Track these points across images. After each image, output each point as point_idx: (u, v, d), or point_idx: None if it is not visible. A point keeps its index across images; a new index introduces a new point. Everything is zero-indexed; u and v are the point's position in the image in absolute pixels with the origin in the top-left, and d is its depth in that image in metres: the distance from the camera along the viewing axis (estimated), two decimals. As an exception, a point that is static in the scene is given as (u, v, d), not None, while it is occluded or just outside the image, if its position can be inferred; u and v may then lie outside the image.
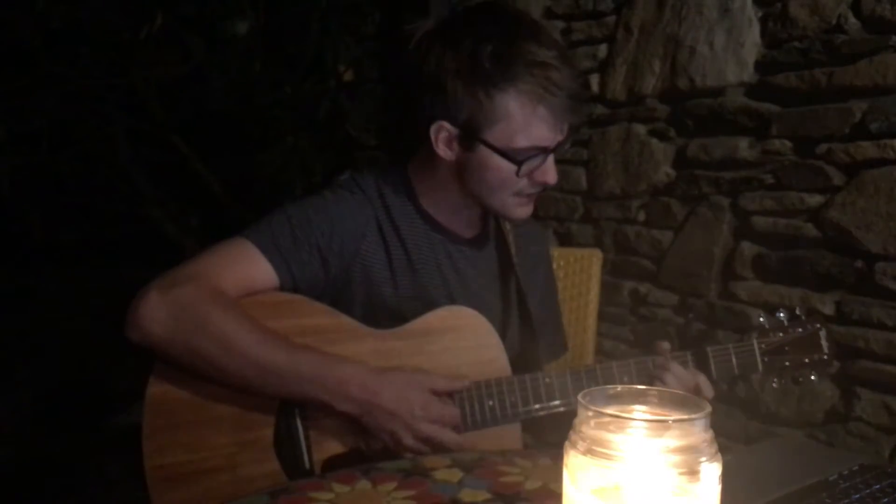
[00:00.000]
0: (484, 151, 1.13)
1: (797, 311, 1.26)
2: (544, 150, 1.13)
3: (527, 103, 1.09)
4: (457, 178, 1.19)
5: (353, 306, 1.17)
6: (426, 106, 1.14)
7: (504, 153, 1.12)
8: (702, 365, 1.20)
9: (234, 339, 1.04)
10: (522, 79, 1.08)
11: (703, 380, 1.17)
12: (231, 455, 1.07)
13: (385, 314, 1.17)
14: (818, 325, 1.25)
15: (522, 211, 1.20)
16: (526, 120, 1.10)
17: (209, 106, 2.96)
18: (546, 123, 1.11)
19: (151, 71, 2.84)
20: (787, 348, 1.23)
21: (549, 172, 1.15)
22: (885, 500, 0.83)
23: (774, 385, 1.25)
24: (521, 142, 1.11)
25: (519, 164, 1.12)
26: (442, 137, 1.15)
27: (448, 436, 1.08)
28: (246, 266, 1.11)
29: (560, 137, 1.14)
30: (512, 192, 1.16)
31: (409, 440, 1.06)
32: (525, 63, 1.08)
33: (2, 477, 2.54)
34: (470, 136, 1.12)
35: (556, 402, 1.15)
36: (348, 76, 3.26)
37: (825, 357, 1.24)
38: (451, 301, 1.21)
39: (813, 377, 1.24)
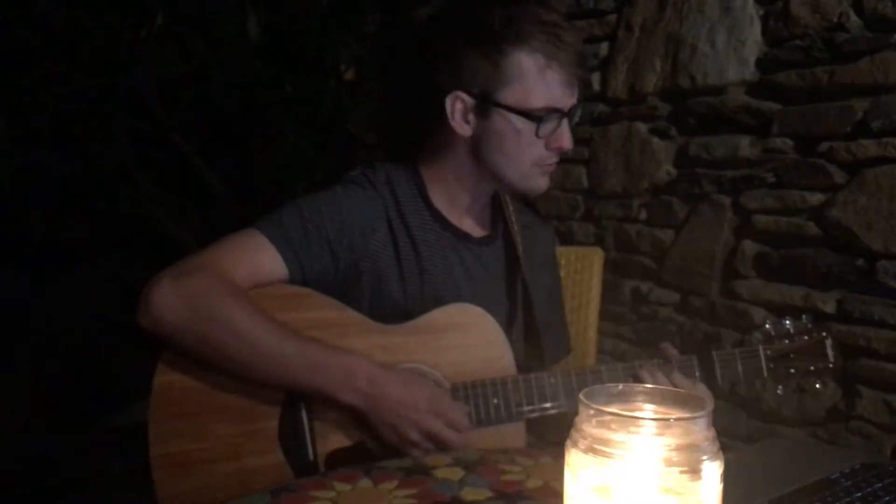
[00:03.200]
0: (501, 116, 1.14)
1: (804, 319, 1.25)
2: (558, 112, 1.14)
3: (540, 60, 1.12)
4: (472, 157, 1.20)
5: (361, 301, 1.18)
6: (440, 80, 1.16)
7: (522, 112, 1.13)
8: (707, 370, 1.20)
9: (244, 328, 1.05)
10: (534, 37, 1.11)
11: (702, 390, 1.17)
12: (236, 445, 1.07)
13: (392, 310, 1.18)
14: (825, 333, 1.25)
15: (542, 182, 1.21)
16: (540, 77, 1.12)
17: (210, 105, 2.95)
18: (559, 82, 1.13)
19: (152, 70, 2.84)
20: (792, 355, 1.23)
21: (563, 137, 1.16)
22: (887, 498, 0.83)
23: (779, 392, 1.24)
24: (537, 101, 1.13)
25: (538, 120, 1.13)
26: (458, 109, 1.16)
27: (453, 433, 1.08)
28: (257, 257, 1.12)
29: (573, 101, 1.16)
30: (531, 160, 1.17)
31: (413, 435, 1.06)
32: (535, 22, 1.11)
33: (2, 476, 2.54)
34: (485, 102, 1.14)
35: (561, 403, 1.15)
36: (349, 75, 3.26)
37: (831, 365, 1.24)
38: (459, 299, 1.21)
39: (818, 385, 1.24)
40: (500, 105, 1.13)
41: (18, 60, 2.70)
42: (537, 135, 1.14)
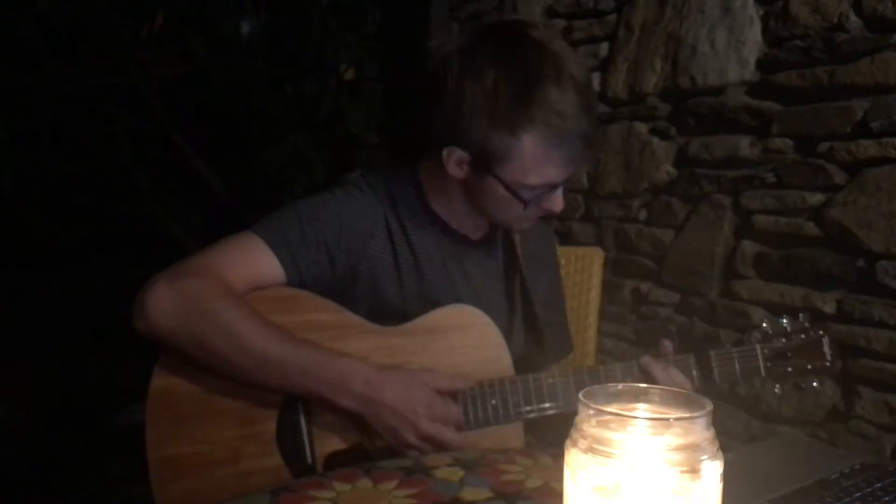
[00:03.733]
0: (493, 182, 1.13)
1: (801, 317, 1.25)
2: (553, 186, 1.14)
3: (541, 148, 1.09)
4: (464, 192, 1.20)
5: (359, 304, 1.17)
6: (441, 129, 1.13)
7: (513, 190, 1.12)
8: (704, 369, 1.20)
9: (240, 332, 1.05)
10: (539, 127, 1.07)
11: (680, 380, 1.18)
12: (234, 448, 1.07)
13: (390, 313, 1.17)
14: (821, 332, 1.25)
15: (526, 225, 1.23)
16: (538, 163, 1.10)
17: (210, 105, 2.96)
18: (558, 166, 1.11)
19: (152, 70, 2.84)
20: (789, 354, 1.23)
21: (555, 202, 1.16)
22: (887, 498, 0.83)
23: (777, 391, 1.25)
24: (532, 180, 1.11)
25: (525, 202, 1.13)
26: (453, 159, 1.14)
27: (450, 435, 1.08)
28: (253, 260, 1.11)
29: (570, 172, 1.14)
30: (518, 216, 1.18)
31: (410, 438, 1.06)
32: (544, 110, 1.07)
33: (2, 476, 2.54)
34: (481, 166, 1.12)
35: (559, 403, 1.15)
36: (349, 75, 3.26)
37: (828, 364, 1.24)
38: (457, 301, 1.21)
39: (815, 384, 1.24)
40: (495, 176, 1.12)
41: (18, 60, 2.70)
42: (525, 210, 1.15)
